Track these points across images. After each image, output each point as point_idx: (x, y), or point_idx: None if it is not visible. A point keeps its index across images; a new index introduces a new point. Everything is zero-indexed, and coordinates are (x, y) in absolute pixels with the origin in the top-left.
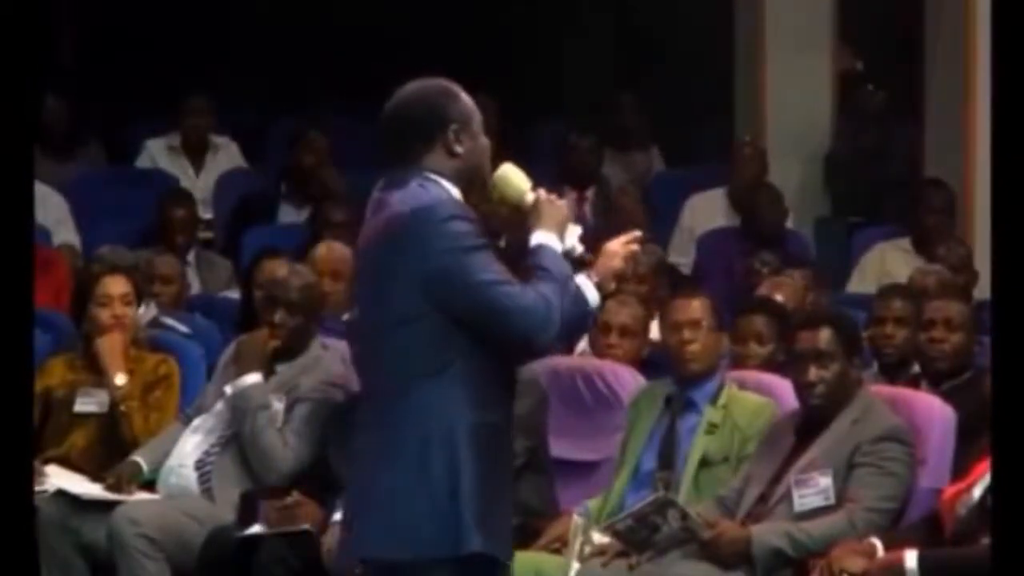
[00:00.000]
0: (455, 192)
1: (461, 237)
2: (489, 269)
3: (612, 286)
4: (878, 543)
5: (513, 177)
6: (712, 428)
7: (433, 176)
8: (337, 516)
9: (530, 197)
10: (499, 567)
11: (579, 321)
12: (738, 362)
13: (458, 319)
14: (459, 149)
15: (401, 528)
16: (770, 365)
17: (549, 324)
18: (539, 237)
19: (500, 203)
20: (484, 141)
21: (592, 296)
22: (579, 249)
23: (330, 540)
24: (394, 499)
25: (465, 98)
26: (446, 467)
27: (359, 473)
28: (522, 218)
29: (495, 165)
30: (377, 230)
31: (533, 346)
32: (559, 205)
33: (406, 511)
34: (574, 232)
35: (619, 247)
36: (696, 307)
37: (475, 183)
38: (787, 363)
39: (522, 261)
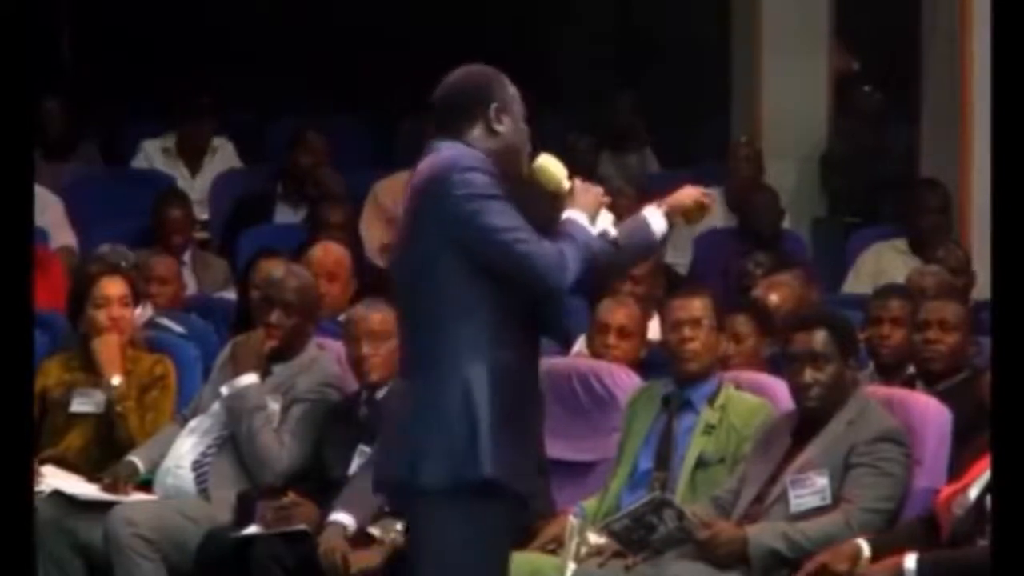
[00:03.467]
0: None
1: (478, 186)
2: (504, 216)
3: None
4: (864, 544)
5: (551, 166)
6: (709, 429)
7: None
8: (333, 516)
9: (567, 185)
10: (516, 500)
11: (642, 252)
12: (721, 362)
13: (479, 265)
14: (499, 128)
15: (417, 457)
16: (756, 363)
17: (564, 268)
18: (569, 214)
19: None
20: (524, 127)
21: (658, 225)
22: (612, 233)
23: (326, 540)
24: (411, 432)
25: (512, 87)
26: (463, 403)
27: (388, 416)
28: (559, 206)
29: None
30: (409, 192)
31: (550, 287)
32: (595, 192)
33: (422, 442)
34: (607, 218)
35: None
36: (697, 306)
37: (513, 168)
38: (782, 364)
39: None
